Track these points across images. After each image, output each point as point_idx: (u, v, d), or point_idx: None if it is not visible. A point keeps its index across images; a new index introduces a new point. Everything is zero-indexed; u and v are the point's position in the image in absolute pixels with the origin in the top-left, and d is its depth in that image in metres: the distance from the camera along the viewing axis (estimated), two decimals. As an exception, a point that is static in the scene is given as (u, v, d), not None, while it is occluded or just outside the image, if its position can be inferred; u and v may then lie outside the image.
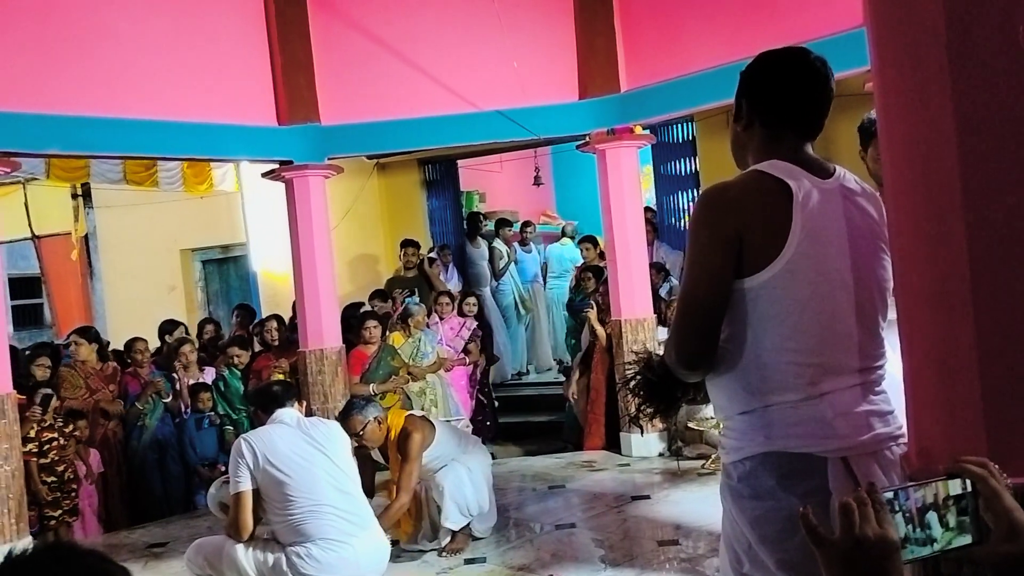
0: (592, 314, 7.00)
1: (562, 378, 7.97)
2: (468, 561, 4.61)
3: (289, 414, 3.91)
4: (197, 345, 7.43)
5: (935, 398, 1.75)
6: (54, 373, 6.20)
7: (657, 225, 8.44)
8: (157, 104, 5.88)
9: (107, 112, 5.64)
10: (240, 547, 3.76)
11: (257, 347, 7.37)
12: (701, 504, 5.02)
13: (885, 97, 1.84)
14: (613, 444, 6.87)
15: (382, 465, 5.13)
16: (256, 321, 7.98)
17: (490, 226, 9.70)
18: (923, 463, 1.73)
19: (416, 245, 8.57)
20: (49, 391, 5.74)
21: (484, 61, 6.63)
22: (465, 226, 9.76)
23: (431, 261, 8.70)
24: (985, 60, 1.62)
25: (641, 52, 6.56)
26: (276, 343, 7.12)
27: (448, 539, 4.74)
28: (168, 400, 6.56)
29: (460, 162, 9.96)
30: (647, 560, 4.37)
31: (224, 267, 10.98)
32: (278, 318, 7.42)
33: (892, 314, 1.90)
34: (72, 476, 5.80)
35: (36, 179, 9.37)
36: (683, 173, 8.66)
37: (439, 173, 10.07)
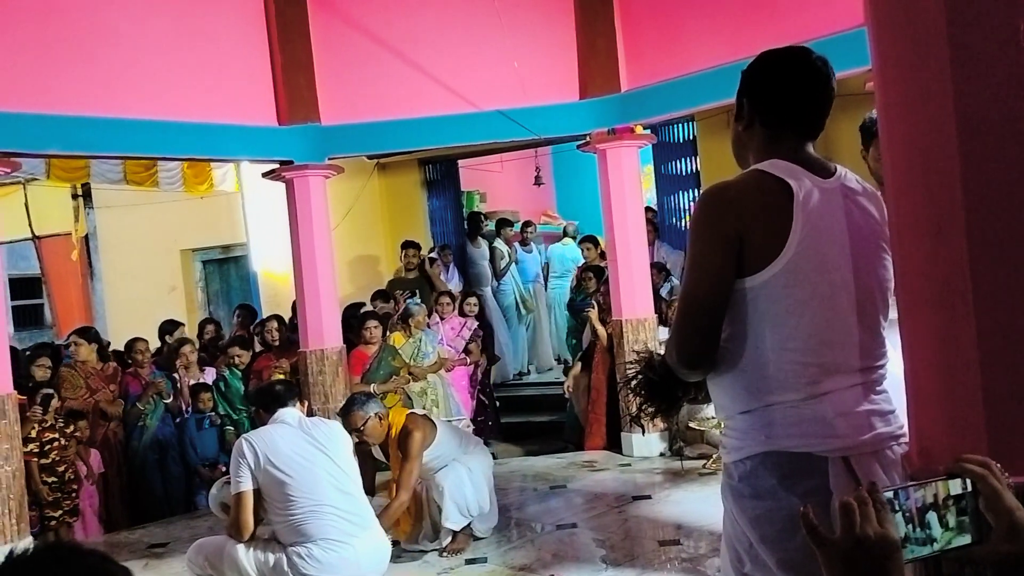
0: (593, 314, 7.01)
1: (563, 378, 7.97)
2: (469, 561, 4.61)
3: (291, 414, 3.91)
4: (198, 345, 7.44)
5: (936, 397, 1.75)
6: (54, 373, 6.20)
7: (658, 225, 8.44)
8: (157, 104, 5.89)
9: (107, 112, 5.65)
10: (241, 547, 3.76)
11: (258, 347, 7.37)
12: (702, 504, 5.02)
13: (886, 97, 1.84)
14: (614, 444, 6.87)
15: (384, 465, 5.14)
16: (257, 321, 7.99)
17: (491, 226, 9.70)
18: (924, 462, 1.73)
19: (417, 246, 8.58)
20: (50, 391, 5.74)
21: (484, 61, 6.63)
22: (466, 226, 9.77)
23: (431, 261, 8.70)
24: (986, 60, 1.62)
25: (641, 52, 6.56)
26: (277, 343, 7.12)
27: (449, 539, 4.74)
28: (169, 400, 6.57)
29: (461, 162, 9.96)
30: (648, 560, 4.37)
31: (224, 267, 10.98)
32: (278, 318, 7.42)
33: (893, 313, 1.90)
34: (73, 476, 5.81)
35: (36, 179, 9.39)
36: (684, 173, 8.66)
37: (439, 173, 10.07)
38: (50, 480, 5.64)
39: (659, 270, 7.38)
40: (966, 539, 1.08)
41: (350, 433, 4.50)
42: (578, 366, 7.30)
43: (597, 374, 7.00)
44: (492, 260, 9.23)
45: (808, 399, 1.77)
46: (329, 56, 6.71)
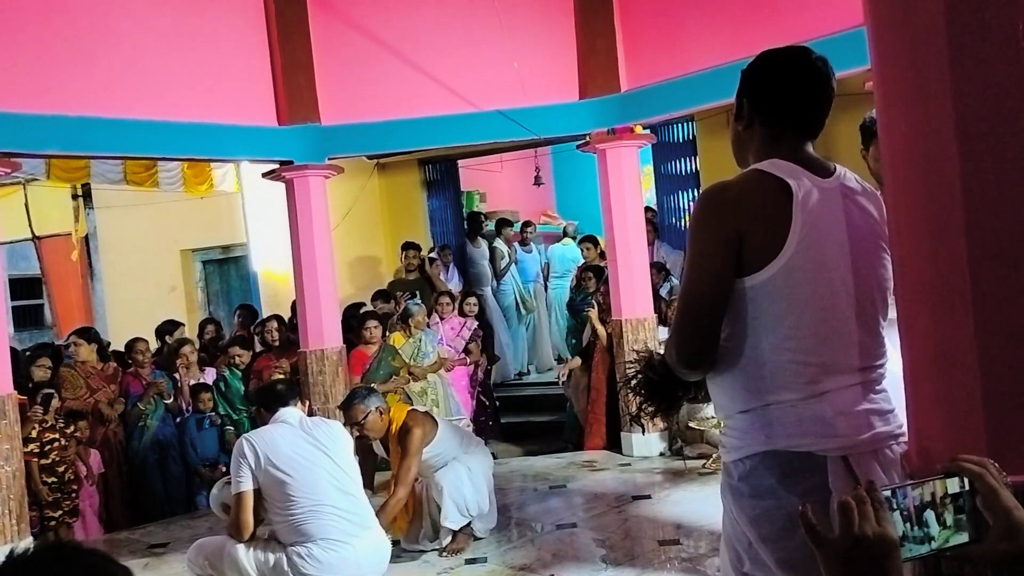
0: (593, 313, 7.01)
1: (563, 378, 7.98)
2: (469, 561, 4.61)
3: (292, 413, 3.91)
4: (198, 345, 7.44)
5: (935, 397, 1.75)
6: (54, 374, 6.20)
7: (657, 225, 8.44)
8: (157, 104, 5.89)
9: (107, 112, 5.65)
10: (241, 547, 3.77)
11: (258, 347, 7.38)
12: (702, 504, 5.02)
13: (885, 96, 1.84)
14: (614, 444, 6.87)
15: (384, 465, 5.15)
16: (257, 321, 7.99)
17: (491, 226, 9.70)
18: (923, 462, 1.73)
19: (417, 247, 8.58)
20: (50, 391, 5.75)
21: (484, 61, 6.63)
22: (466, 226, 9.77)
23: (431, 261, 8.71)
24: (985, 59, 1.62)
25: (641, 52, 6.56)
26: (276, 343, 7.13)
27: (449, 539, 4.74)
28: (169, 401, 6.57)
29: (460, 162, 9.96)
30: (648, 560, 4.37)
31: (224, 267, 10.98)
32: (278, 318, 7.42)
33: (893, 313, 1.90)
34: (72, 477, 5.81)
35: (36, 180, 9.38)
36: (683, 173, 8.66)
37: (439, 173, 10.07)
38: (50, 480, 5.64)
39: (659, 270, 7.38)
40: (964, 537, 1.08)
41: (351, 427, 4.52)
42: (576, 360, 7.31)
43: (597, 374, 7.00)
44: (492, 260, 9.24)
45: (807, 398, 1.77)
46: (329, 56, 6.72)
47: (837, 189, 1.84)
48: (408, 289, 7.94)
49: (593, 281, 7.53)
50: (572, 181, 12.23)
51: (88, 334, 6.65)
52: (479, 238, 9.32)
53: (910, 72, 1.73)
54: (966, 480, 1.09)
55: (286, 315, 7.74)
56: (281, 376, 6.49)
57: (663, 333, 6.48)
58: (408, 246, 8.50)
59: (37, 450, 5.57)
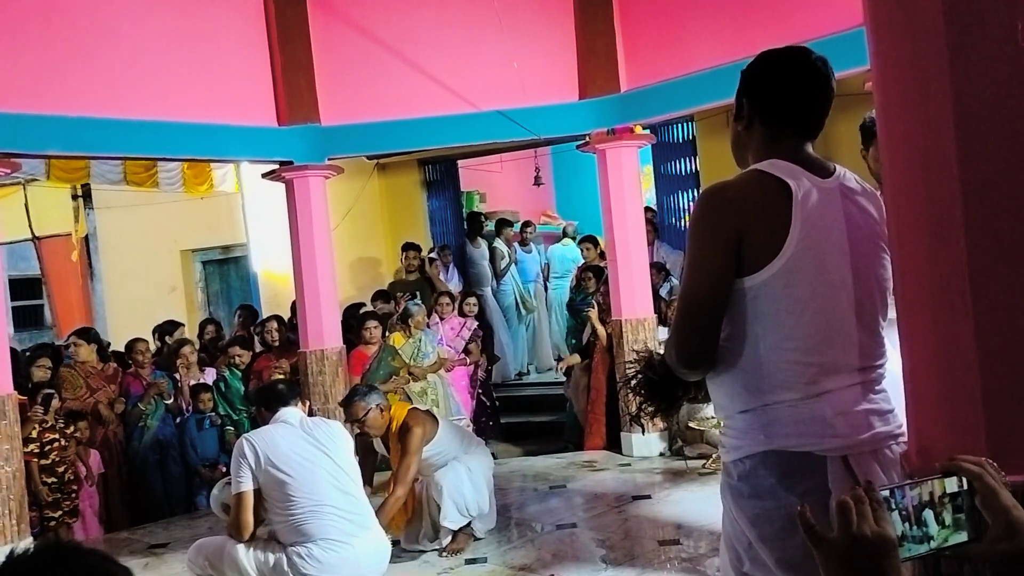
0: (593, 313, 7.01)
1: (563, 378, 7.99)
2: (469, 561, 4.61)
3: (292, 413, 3.91)
4: (197, 346, 7.44)
5: (935, 397, 1.75)
6: (54, 374, 6.20)
7: (657, 225, 8.44)
8: (157, 105, 5.89)
9: (107, 113, 5.65)
10: (241, 547, 3.77)
11: (258, 347, 7.38)
12: (702, 504, 5.02)
13: (885, 96, 1.84)
14: (614, 444, 6.87)
15: (384, 465, 5.14)
16: (257, 322, 7.99)
17: (491, 226, 9.70)
18: (923, 461, 1.73)
19: (418, 248, 8.58)
20: (51, 391, 5.75)
21: (484, 61, 6.63)
22: (465, 226, 9.77)
23: (431, 261, 8.70)
24: (985, 60, 1.62)
25: (641, 52, 6.56)
26: (276, 344, 7.13)
27: (449, 539, 4.75)
28: (169, 401, 6.57)
29: (460, 162, 9.96)
30: (648, 560, 4.38)
31: (224, 268, 10.98)
32: (278, 318, 7.42)
33: (892, 313, 1.90)
34: (72, 477, 5.81)
35: (36, 180, 9.38)
36: (683, 173, 8.66)
37: (439, 173, 10.07)
38: (50, 481, 5.64)
39: (659, 270, 7.39)
40: (963, 537, 1.08)
41: (351, 424, 4.52)
42: (575, 356, 7.32)
43: (597, 374, 7.00)
44: (492, 260, 9.24)
45: (807, 398, 1.77)
46: (329, 56, 6.72)
47: (837, 189, 1.84)
48: (408, 290, 7.94)
49: (593, 281, 7.53)
50: (572, 181, 12.23)
51: (88, 334, 6.65)
52: (479, 238, 9.32)
53: (910, 72, 1.73)
54: (964, 480, 1.09)
55: (286, 315, 7.75)
56: (281, 376, 6.49)
57: (663, 333, 6.48)
58: (408, 247, 8.50)
59: (37, 450, 5.57)
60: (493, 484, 5.01)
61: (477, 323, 7.57)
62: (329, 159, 6.79)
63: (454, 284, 8.82)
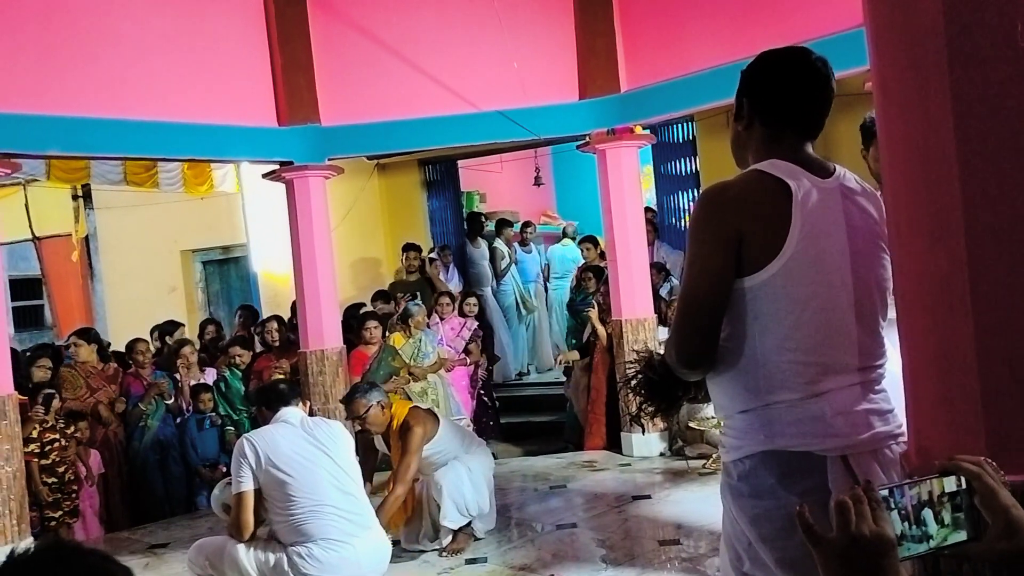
0: (593, 314, 7.01)
1: (563, 378, 7.99)
2: (469, 561, 4.61)
3: (293, 413, 3.91)
4: (198, 346, 7.44)
5: (934, 396, 1.75)
6: (55, 374, 6.21)
7: (657, 225, 8.44)
8: (157, 105, 5.89)
9: (107, 113, 5.65)
10: (241, 547, 3.77)
11: (258, 347, 7.38)
12: (702, 504, 5.02)
13: (884, 97, 1.84)
14: (614, 444, 6.87)
15: (384, 465, 5.14)
16: (257, 322, 7.99)
17: (491, 226, 9.71)
18: (923, 461, 1.73)
19: (418, 249, 8.59)
20: (51, 391, 5.75)
21: (484, 61, 6.63)
22: (465, 226, 9.77)
23: (431, 261, 8.71)
24: (985, 60, 1.62)
25: (641, 52, 6.56)
26: (277, 344, 7.13)
27: (449, 539, 4.75)
28: (170, 401, 6.57)
29: (460, 162, 9.96)
30: (648, 560, 4.38)
31: (225, 268, 10.98)
32: (278, 319, 7.42)
33: (892, 313, 1.91)
34: (73, 477, 5.81)
35: (37, 180, 9.38)
36: (683, 173, 8.66)
37: (439, 173, 10.07)
38: (50, 481, 5.64)
39: (659, 270, 7.39)
40: (962, 536, 1.09)
41: (352, 421, 4.53)
42: (574, 353, 7.33)
43: (597, 374, 7.00)
44: (492, 260, 9.24)
45: (807, 398, 1.77)
46: (329, 57, 6.72)
47: (837, 189, 1.84)
48: (409, 290, 7.95)
49: (593, 281, 7.53)
50: (572, 181, 12.23)
51: (88, 335, 6.65)
52: (479, 238, 9.32)
53: (909, 72, 1.73)
54: (963, 479, 1.10)
55: (286, 316, 7.75)
56: (281, 376, 6.49)
57: (663, 333, 6.48)
58: (409, 247, 8.51)
59: (37, 450, 5.57)
60: (494, 484, 5.01)
61: (477, 323, 7.57)
62: (329, 159, 6.80)
63: (454, 284, 8.82)
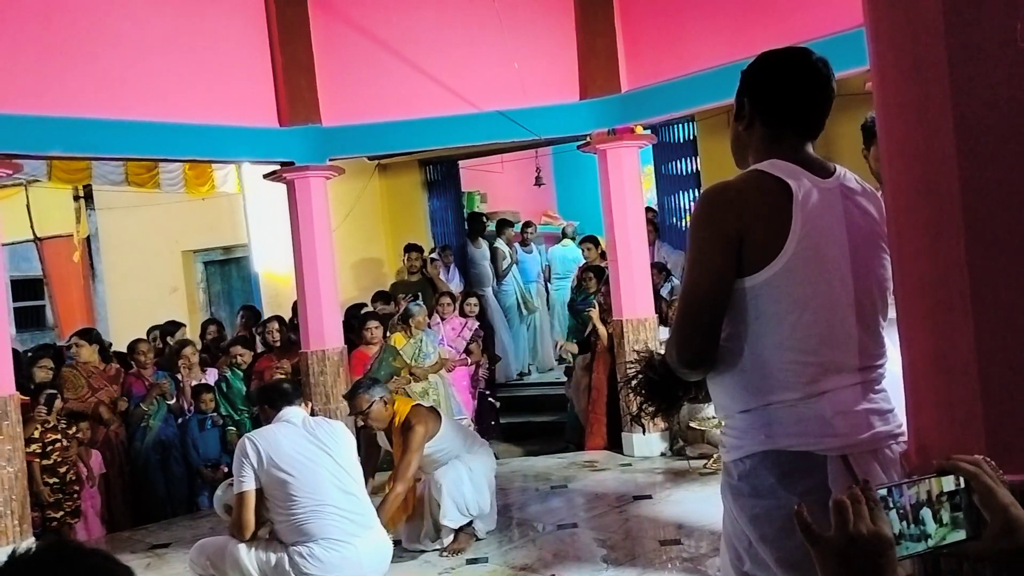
0: (594, 313, 7.02)
1: (564, 378, 7.99)
2: (470, 561, 4.62)
3: (295, 413, 3.92)
4: (199, 346, 7.45)
5: (934, 396, 1.76)
6: (56, 375, 6.21)
7: (658, 225, 8.44)
8: (159, 106, 5.90)
9: (109, 114, 5.65)
10: (243, 547, 3.77)
11: (259, 348, 7.39)
12: (703, 504, 5.02)
13: (884, 97, 1.85)
14: (615, 444, 6.88)
15: (385, 465, 5.15)
16: (259, 322, 7.99)
17: (492, 227, 9.71)
18: (922, 460, 1.73)
19: (420, 249, 8.59)
20: (53, 391, 5.76)
21: (485, 61, 6.63)
22: (466, 227, 9.78)
23: (431, 261, 8.71)
24: (984, 60, 1.62)
25: (642, 52, 6.56)
26: (278, 344, 7.13)
27: (450, 539, 4.75)
28: (171, 401, 6.58)
29: (461, 163, 9.96)
30: (649, 560, 4.38)
31: (226, 268, 10.99)
32: (279, 319, 7.43)
33: (892, 313, 1.91)
34: (74, 477, 5.82)
35: (38, 181, 9.38)
36: (684, 173, 8.66)
37: (440, 174, 10.08)
38: (52, 481, 5.65)
39: (659, 270, 7.39)
40: (960, 535, 1.09)
41: (355, 416, 4.53)
42: (574, 346, 7.34)
43: (598, 374, 7.00)
44: (493, 260, 9.24)
45: (807, 398, 1.77)
46: (330, 57, 6.72)
47: (837, 189, 1.84)
48: (410, 290, 7.95)
49: (594, 281, 7.53)
50: (573, 181, 12.24)
51: (90, 335, 6.65)
52: (480, 239, 9.32)
53: (909, 72, 1.74)
54: (961, 478, 1.10)
55: (287, 316, 7.75)
56: (283, 377, 6.50)
57: (664, 333, 6.48)
58: (410, 248, 8.51)
59: (39, 451, 5.58)
60: (495, 485, 5.02)
61: (478, 323, 7.57)
62: (330, 160, 6.80)
63: (455, 284, 8.83)
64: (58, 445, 5.70)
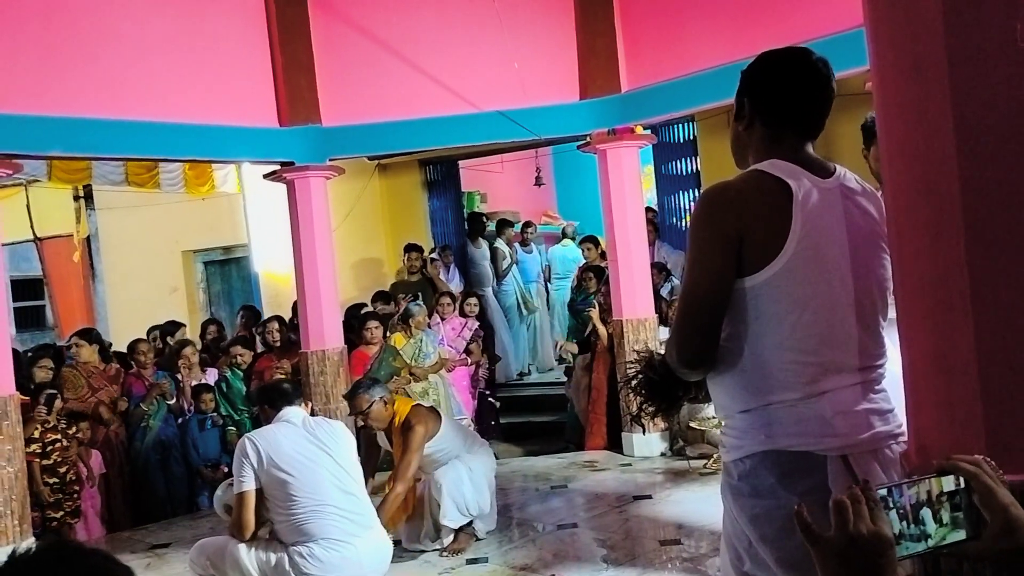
0: (594, 313, 7.02)
1: (564, 378, 7.99)
2: (470, 561, 4.62)
3: (295, 413, 3.92)
4: (199, 346, 7.45)
5: (934, 396, 1.76)
6: (56, 375, 6.21)
7: (658, 225, 8.44)
8: (159, 106, 5.90)
9: (109, 114, 5.65)
10: (243, 547, 3.77)
11: (260, 348, 7.39)
12: (703, 504, 5.02)
13: (884, 97, 1.85)
14: (615, 444, 6.88)
15: (385, 465, 5.15)
16: (259, 322, 8.00)
17: (492, 227, 9.71)
18: (922, 460, 1.74)
19: (420, 249, 8.60)
20: (54, 391, 5.76)
21: (485, 61, 6.63)
22: (466, 227, 9.78)
23: (431, 261, 8.71)
24: (984, 60, 1.62)
25: (642, 52, 6.56)
26: (278, 344, 7.14)
27: (450, 539, 4.75)
28: (171, 401, 6.58)
29: (461, 163, 9.97)
30: (649, 560, 4.38)
31: (226, 268, 10.99)
32: (279, 319, 7.43)
33: (892, 313, 1.91)
34: (74, 477, 5.82)
35: (38, 181, 9.39)
36: (684, 173, 8.66)
37: (440, 174, 10.08)
38: (52, 481, 5.65)
39: (659, 270, 7.39)
40: (960, 535, 1.09)
41: (355, 416, 4.53)
42: (574, 345, 7.34)
43: (598, 374, 7.01)
44: (493, 260, 9.24)
45: (807, 398, 1.77)
46: (330, 57, 6.72)
47: (837, 189, 1.84)
48: (410, 290, 7.95)
49: (594, 281, 7.53)
50: (573, 181, 12.24)
51: (90, 335, 6.65)
52: (480, 239, 9.32)
53: (909, 72, 1.74)
54: (961, 478, 1.10)
55: (287, 316, 7.75)
56: (283, 377, 6.50)
57: (664, 333, 6.48)
58: (410, 248, 8.51)
59: (39, 451, 5.58)
60: (495, 485, 5.02)
61: (478, 323, 7.57)
62: (330, 160, 6.80)
63: (455, 284, 8.83)
64: (58, 445, 5.70)
